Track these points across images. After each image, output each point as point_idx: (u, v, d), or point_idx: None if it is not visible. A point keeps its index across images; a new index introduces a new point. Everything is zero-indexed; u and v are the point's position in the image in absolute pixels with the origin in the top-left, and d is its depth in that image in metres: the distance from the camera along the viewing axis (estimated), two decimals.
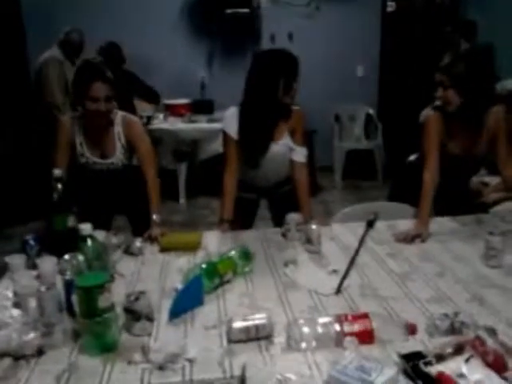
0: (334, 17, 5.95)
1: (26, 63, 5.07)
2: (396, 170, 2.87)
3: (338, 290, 1.63)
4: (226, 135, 2.41)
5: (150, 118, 5.24)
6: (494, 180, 3.01)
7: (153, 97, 5.24)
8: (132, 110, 5.04)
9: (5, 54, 4.75)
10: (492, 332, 1.28)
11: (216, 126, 4.61)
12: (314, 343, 1.32)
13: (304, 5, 5.96)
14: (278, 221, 2.30)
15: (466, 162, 2.37)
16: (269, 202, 2.71)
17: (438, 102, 2.33)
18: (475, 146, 2.32)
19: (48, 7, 5.42)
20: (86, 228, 1.51)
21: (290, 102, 2.38)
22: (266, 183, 2.55)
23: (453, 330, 1.33)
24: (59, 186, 1.87)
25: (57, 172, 1.87)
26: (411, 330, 1.35)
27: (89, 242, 1.52)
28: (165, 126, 5.22)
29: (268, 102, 2.32)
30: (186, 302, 1.51)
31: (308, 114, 6.13)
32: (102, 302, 1.29)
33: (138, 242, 2.03)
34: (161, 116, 5.39)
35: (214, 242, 2.11)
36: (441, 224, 2.26)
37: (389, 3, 6.13)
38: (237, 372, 1.22)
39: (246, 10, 5.74)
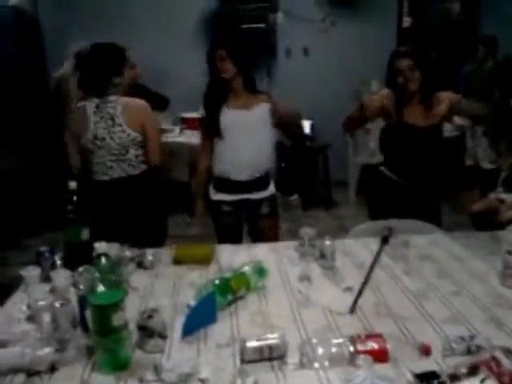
0: (349, 32, 5.96)
1: (46, 76, 5.16)
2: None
3: (353, 309, 1.61)
4: (200, 119, 2.81)
5: (163, 131, 5.27)
6: (511, 197, 2.98)
7: (159, 102, 5.20)
8: None
9: (25, 67, 4.84)
10: (508, 352, 1.25)
11: None
12: (326, 363, 1.30)
13: (319, 20, 5.98)
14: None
15: (422, 131, 2.66)
16: (249, 223, 2.84)
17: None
18: (427, 118, 2.65)
19: (65, 20, 5.51)
20: (100, 246, 1.52)
21: (226, 76, 2.59)
22: (243, 174, 2.66)
23: (469, 353, 1.31)
24: (74, 198, 1.88)
25: (72, 184, 1.88)
26: (425, 351, 1.33)
27: (103, 259, 1.52)
28: (180, 139, 5.24)
29: (211, 77, 2.66)
30: (199, 319, 1.50)
31: (322, 127, 6.14)
32: (116, 320, 1.29)
33: (149, 256, 2.03)
34: (177, 129, 5.41)
35: (227, 256, 2.10)
36: (456, 240, 2.24)
37: (405, 19, 6.14)
38: None
39: (261, 25, 5.79)
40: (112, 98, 2.56)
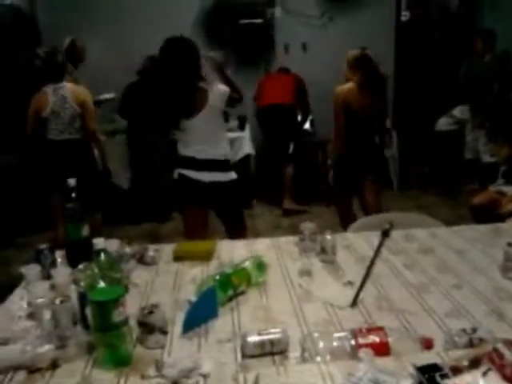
0: (347, 27, 5.95)
1: None
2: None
3: (354, 303, 1.61)
4: None
5: None
6: (511, 190, 2.97)
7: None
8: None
9: (22, 66, 4.82)
10: (510, 344, 1.25)
11: (230, 134, 4.64)
12: (328, 357, 1.30)
13: (317, 15, 5.97)
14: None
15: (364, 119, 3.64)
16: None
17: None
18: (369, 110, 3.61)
19: (63, 15, 5.50)
20: (99, 242, 1.51)
21: None
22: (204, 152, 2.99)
23: (471, 346, 1.30)
24: (73, 195, 1.88)
25: (71, 182, 1.88)
26: (427, 344, 1.33)
27: (102, 256, 1.51)
28: None
29: None
30: (200, 314, 1.50)
31: (322, 122, 6.13)
32: (116, 316, 1.28)
33: (150, 252, 2.02)
34: None
35: (228, 251, 2.10)
36: (457, 234, 2.23)
37: (403, 13, 6.12)
38: None
39: (259, 21, 5.78)
40: (65, 83, 3.80)
